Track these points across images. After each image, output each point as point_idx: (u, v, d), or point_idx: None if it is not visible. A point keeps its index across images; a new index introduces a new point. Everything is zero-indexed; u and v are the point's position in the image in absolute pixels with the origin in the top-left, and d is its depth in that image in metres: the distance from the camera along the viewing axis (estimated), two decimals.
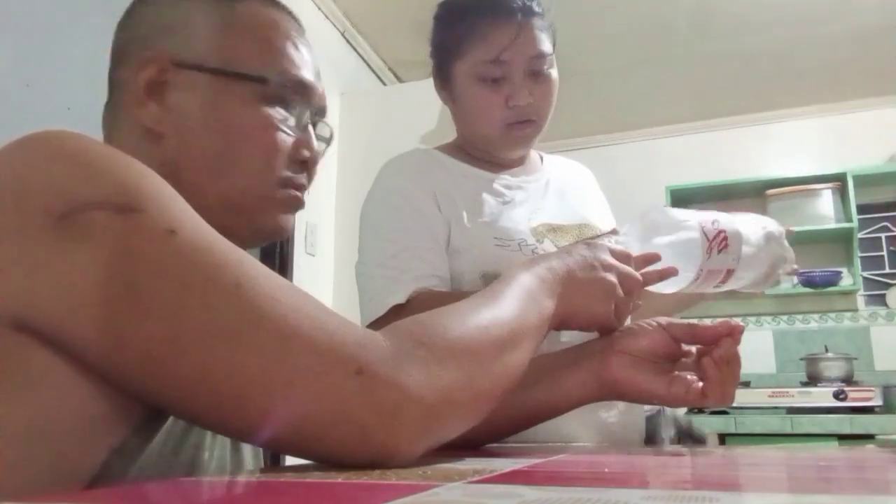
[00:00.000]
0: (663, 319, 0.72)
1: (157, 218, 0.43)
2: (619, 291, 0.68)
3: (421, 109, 2.51)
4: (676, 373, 0.70)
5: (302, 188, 0.66)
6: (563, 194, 1.10)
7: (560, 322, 0.63)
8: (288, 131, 0.63)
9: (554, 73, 1.03)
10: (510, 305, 0.55)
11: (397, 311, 0.91)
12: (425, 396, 0.43)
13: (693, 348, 0.72)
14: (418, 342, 0.46)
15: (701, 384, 0.68)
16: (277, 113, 0.62)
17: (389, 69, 3.13)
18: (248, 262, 0.45)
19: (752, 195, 3.39)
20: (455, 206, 1.01)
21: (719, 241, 0.77)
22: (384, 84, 3.10)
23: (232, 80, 0.61)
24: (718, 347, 0.69)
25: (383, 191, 1.05)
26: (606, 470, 0.40)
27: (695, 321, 0.72)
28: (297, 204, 0.66)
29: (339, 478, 0.37)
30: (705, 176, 3.46)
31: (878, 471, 0.51)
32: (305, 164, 0.65)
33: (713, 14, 2.72)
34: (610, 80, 3.15)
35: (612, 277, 0.67)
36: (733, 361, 0.69)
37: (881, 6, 2.64)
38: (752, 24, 2.78)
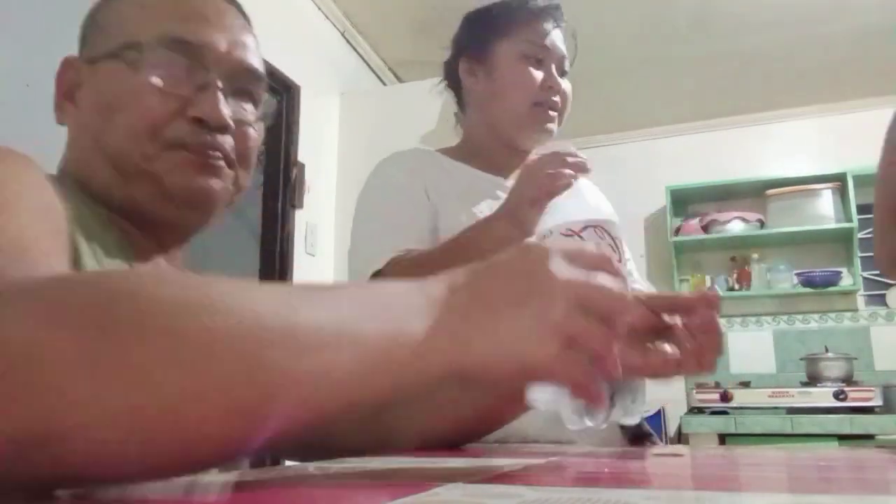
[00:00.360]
0: (643, 293, 0.68)
1: None
2: (572, 322, 0.39)
3: (421, 109, 2.51)
4: (652, 345, 0.65)
5: (206, 147, 0.62)
6: (578, 194, 1.12)
7: (458, 368, 0.37)
8: (171, 92, 0.61)
9: (569, 85, 1.12)
10: (306, 300, 0.34)
11: (374, 279, 0.98)
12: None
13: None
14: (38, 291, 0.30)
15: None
16: (153, 75, 0.61)
17: (389, 69, 3.13)
18: None
19: (752, 195, 3.39)
20: (446, 197, 1.06)
21: None
22: (384, 84, 3.10)
23: (111, 59, 0.62)
24: (694, 316, 0.63)
25: (375, 181, 1.12)
26: (606, 470, 0.40)
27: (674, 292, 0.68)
28: (205, 166, 0.63)
29: (339, 478, 0.37)
30: (705, 176, 3.46)
31: (878, 471, 0.51)
32: (203, 123, 0.62)
33: (713, 14, 2.72)
34: (610, 80, 3.15)
35: (563, 293, 0.39)
36: (710, 330, 0.62)
37: (881, 6, 2.64)
38: (752, 24, 2.78)
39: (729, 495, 0.30)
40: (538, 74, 1.08)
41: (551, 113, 1.09)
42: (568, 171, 0.88)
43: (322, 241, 2.56)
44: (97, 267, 0.55)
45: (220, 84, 0.63)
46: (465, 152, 1.15)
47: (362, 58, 2.93)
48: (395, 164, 1.13)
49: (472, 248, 0.96)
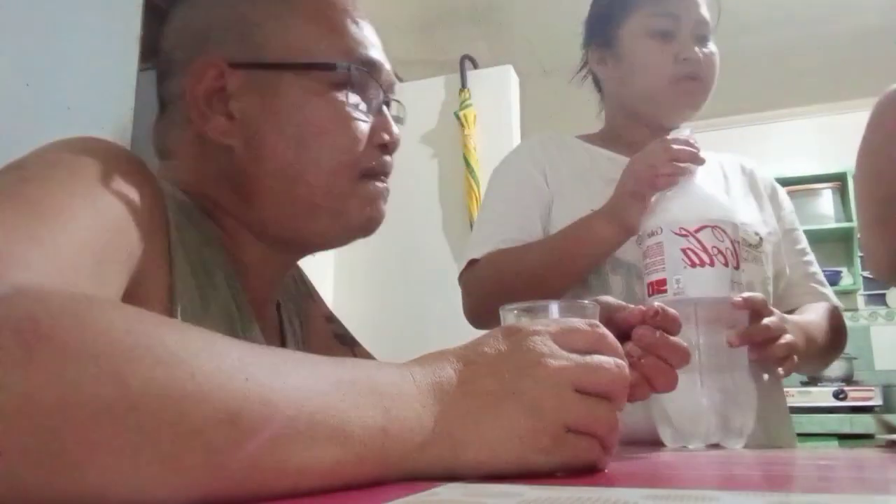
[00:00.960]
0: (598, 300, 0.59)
1: None
2: (574, 405, 0.37)
3: (421, 109, 2.51)
4: None
5: (386, 175, 0.61)
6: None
7: (450, 471, 0.35)
8: (363, 117, 0.58)
9: (714, 47, 1.04)
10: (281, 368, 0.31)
11: (471, 267, 1.01)
12: None
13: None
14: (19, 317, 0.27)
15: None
16: (349, 99, 0.57)
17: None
18: None
19: None
20: (562, 181, 1.04)
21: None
22: None
23: (295, 71, 0.56)
24: (627, 342, 0.53)
25: (499, 168, 1.13)
26: (606, 470, 0.40)
27: (623, 304, 0.57)
28: (385, 193, 0.61)
29: None
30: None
31: (878, 471, 0.51)
32: (386, 148, 0.60)
33: None
34: None
35: (555, 382, 0.37)
36: (660, 349, 0.52)
37: (881, 6, 2.64)
38: (752, 24, 2.78)
39: (729, 495, 0.30)
40: (669, 48, 1.00)
41: (693, 85, 1.02)
42: (676, 162, 0.81)
43: None
44: (195, 287, 0.50)
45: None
46: (606, 138, 1.11)
47: None
48: (520, 150, 1.13)
49: (571, 246, 0.93)
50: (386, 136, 0.60)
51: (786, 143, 3.52)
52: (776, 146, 3.53)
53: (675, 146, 0.83)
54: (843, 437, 2.55)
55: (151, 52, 1.52)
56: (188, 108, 0.56)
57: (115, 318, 0.29)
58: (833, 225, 3.19)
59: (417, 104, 2.55)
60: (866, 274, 3.24)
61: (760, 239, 1.02)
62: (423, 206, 2.48)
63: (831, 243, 3.32)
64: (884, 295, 3.27)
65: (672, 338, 0.53)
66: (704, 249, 0.71)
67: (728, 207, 0.76)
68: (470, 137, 2.40)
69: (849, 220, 3.16)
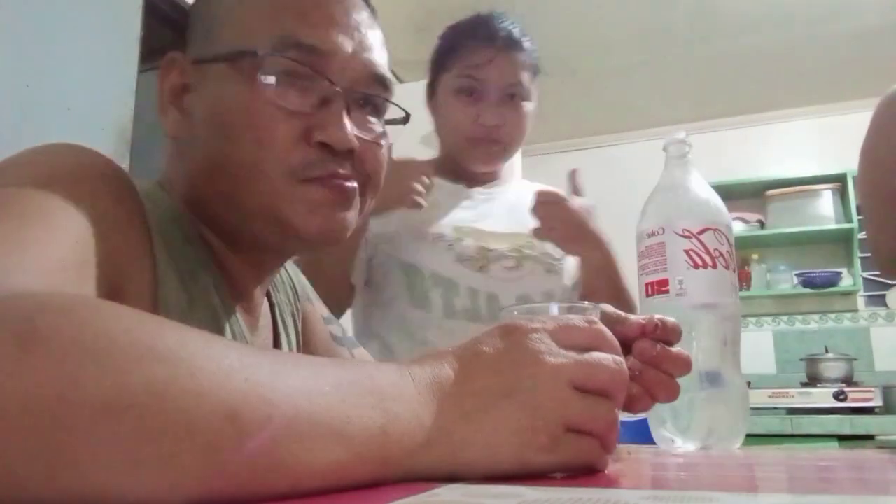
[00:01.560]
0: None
1: None
2: (572, 402, 0.37)
3: (421, 109, 2.50)
4: None
5: (335, 178, 0.53)
6: (514, 208, 1.12)
7: (449, 470, 0.35)
8: (294, 112, 0.52)
9: (527, 105, 1.09)
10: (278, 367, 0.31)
11: None
12: None
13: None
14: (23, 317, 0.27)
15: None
16: (280, 91, 0.51)
17: (389, 69, 3.13)
18: None
19: (752, 195, 3.39)
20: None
21: None
22: None
23: (229, 62, 0.52)
24: (628, 356, 0.52)
25: None
26: (606, 471, 0.40)
27: (623, 315, 0.56)
28: (338, 199, 0.54)
29: None
30: (705, 176, 3.42)
31: (878, 471, 0.51)
32: (328, 149, 0.52)
33: (713, 14, 2.72)
34: (610, 80, 3.15)
35: (553, 380, 0.37)
36: (661, 361, 0.52)
37: (881, 6, 2.64)
38: (752, 24, 2.78)
39: (729, 495, 0.30)
40: (472, 111, 1.06)
41: (492, 148, 1.09)
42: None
43: None
44: (180, 288, 0.50)
45: (344, 97, 0.54)
46: (440, 164, 1.15)
47: None
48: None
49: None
50: (319, 136, 0.52)
51: (786, 143, 3.52)
52: (776, 146, 3.53)
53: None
54: (843, 438, 2.55)
55: (151, 52, 1.52)
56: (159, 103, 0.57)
57: (113, 318, 0.29)
58: (833, 226, 3.19)
59: (417, 104, 2.55)
60: (866, 275, 3.24)
61: (563, 255, 1.09)
62: None
63: (831, 244, 3.32)
64: (884, 296, 3.27)
65: (672, 349, 0.53)
66: (707, 251, 0.71)
67: (724, 210, 0.77)
68: None
69: (849, 220, 3.16)
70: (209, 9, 0.57)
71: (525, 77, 1.08)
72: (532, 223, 1.08)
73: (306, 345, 0.71)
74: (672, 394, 0.53)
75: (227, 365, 0.29)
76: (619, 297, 1.03)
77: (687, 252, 0.72)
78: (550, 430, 0.36)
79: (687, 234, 0.73)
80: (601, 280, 1.03)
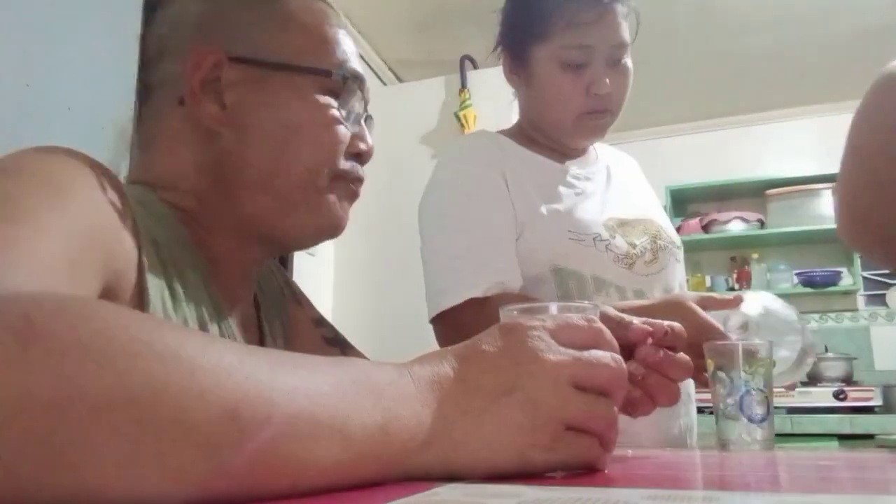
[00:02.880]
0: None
1: None
2: (573, 400, 0.38)
3: (421, 109, 2.51)
4: None
5: (360, 182, 0.64)
6: (624, 186, 1.09)
7: (450, 469, 0.35)
8: (347, 126, 0.62)
9: (630, 62, 1.01)
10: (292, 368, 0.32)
11: (473, 305, 0.88)
12: None
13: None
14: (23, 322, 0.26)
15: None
16: (336, 107, 0.61)
17: (389, 69, 3.13)
18: None
19: (752, 195, 3.39)
20: (527, 193, 0.98)
21: (804, 362, 0.82)
22: (384, 84, 3.10)
23: (291, 74, 0.59)
24: (631, 361, 0.54)
25: (451, 175, 1.01)
26: (606, 470, 0.40)
27: (627, 320, 0.59)
28: (354, 197, 0.65)
29: None
30: (705, 176, 3.46)
31: (878, 470, 0.51)
32: (360, 158, 0.64)
33: (713, 14, 2.72)
34: None
35: (553, 377, 0.38)
36: (663, 366, 0.54)
37: (881, 6, 2.64)
38: (752, 24, 2.78)
39: (729, 495, 0.30)
40: (581, 82, 0.97)
41: (602, 120, 1.00)
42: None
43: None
44: (166, 285, 0.50)
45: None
46: (526, 136, 1.08)
47: (362, 58, 2.91)
48: (468, 155, 1.02)
49: None
50: (362, 146, 0.63)
51: (786, 143, 3.52)
52: (776, 146, 3.53)
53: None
54: (843, 438, 2.55)
55: None
56: (182, 93, 0.58)
57: (111, 316, 0.29)
58: (833, 225, 3.18)
59: (417, 104, 2.55)
60: (866, 274, 3.25)
61: (680, 243, 1.06)
62: None
63: (831, 243, 3.32)
64: (884, 295, 3.27)
65: (675, 354, 0.55)
66: None
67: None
68: None
69: None
70: (241, 12, 0.61)
71: (627, 34, 0.99)
72: (646, 197, 1.07)
73: (293, 348, 0.71)
74: (674, 398, 0.55)
75: (226, 363, 0.29)
76: None
77: None
78: (550, 429, 0.36)
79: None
80: None
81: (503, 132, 1.09)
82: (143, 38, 0.64)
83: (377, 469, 0.33)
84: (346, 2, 2.70)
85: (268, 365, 0.31)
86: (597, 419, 0.38)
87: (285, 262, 2.30)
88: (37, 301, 0.29)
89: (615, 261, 0.95)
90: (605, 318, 0.57)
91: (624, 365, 0.41)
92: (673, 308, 0.83)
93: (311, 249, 2.46)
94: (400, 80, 3.17)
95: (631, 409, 0.56)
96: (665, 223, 1.07)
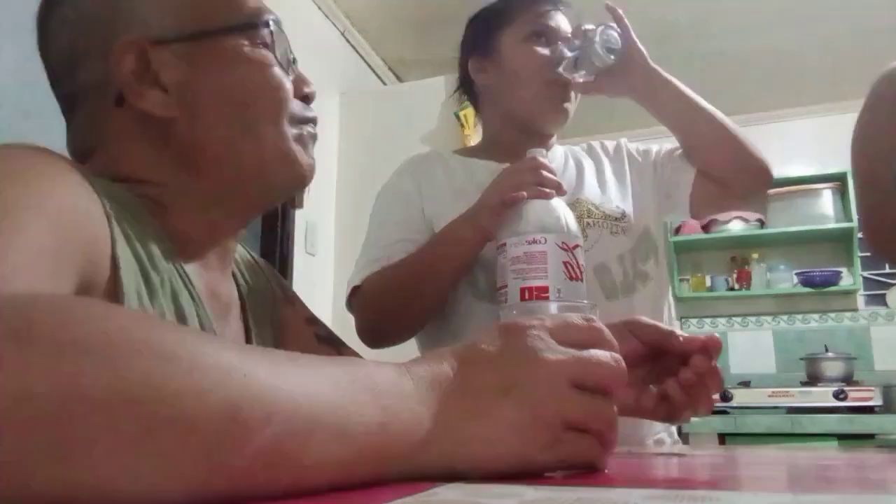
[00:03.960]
0: (630, 320, 0.65)
1: None
2: (573, 399, 0.38)
3: (421, 109, 2.51)
4: (670, 381, 0.63)
5: (315, 122, 0.64)
6: (572, 177, 1.11)
7: (450, 467, 0.35)
8: (285, 71, 0.61)
9: None
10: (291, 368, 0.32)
11: (355, 293, 1.03)
12: None
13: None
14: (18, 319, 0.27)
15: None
16: (269, 56, 0.59)
17: (389, 69, 3.13)
18: None
19: None
20: (440, 198, 1.05)
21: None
22: (384, 84, 3.10)
23: (216, 38, 0.58)
24: (686, 368, 0.60)
25: (380, 191, 1.14)
26: (606, 470, 0.40)
27: (670, 329, 0.64)
28: (314, 139, 0.64)
29: None
30: None
31: (878, 470, 0.51)
32: (308, 99, 0.63)
33: (713, 14, 2.72)
34: None
35: (553, 377, 0.37)
36: (708, 376, 0.60)
37: (881, 6, 2.64)
38: (752, 24, 2.78)
39: (729, 495, 0.30)
40: (546, 54, 1.05)
41: (567, 91, 1.07)
42: (540, 187, 0.85)
43: (322, 241, 2.56)
44: (141, 279, 0.50)
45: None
46: (484, 148, 1.15)
47: (362, 57, 2.93)
48: (400, 169, 1.14)
49: (437, 253, 0.96)
50: (306, 89, 0.63)
51: (786, 143, 3.51)
52: (776, 146, 3.52)
53: (543, 169, 0.87)
54: (843, 437, 2.55)
55: None
56: (118, 92, 0.56)
57: (109, 316, 0.29)
58: (833, 225, 3.19)
59: (417, 104, 2.55)
60: (866, 274, 3.25)
61: (623, 213, 1.08)
62: None
63: (831, 243, 3.32)
64: (884, 295, 3.27)
65: (716, 367, 0.60)
66: (578, 266, 0.80)
67: (574, 229, 0.83)
68: (470, 137, 2.40)
69: (849, 220, 3.16)
70: None
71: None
72: (583, 181, 1.10)
73: (285, 348, 0.70)
74: (709, 410, 0.60)
75: (225, 362, 0.29)
76: (713, 126, 1.06)
77: (565, 264, 0.80)
78: (550, 428, 0.36)
79: (565, 247, 0.81)
80: (683, 111, 1.09)
81: (460, 150, 1.21)
82: (44, 53, 0.61)
83: (377, 468, 0.32)
84: (346, 2, 2.70)
85: (267, 364, 0.31)
86: (597, 419, 0.38)
87: (285, 261, 2.31)
88: (33, 301, 0.29)
89: None
90: (653, 328, 0.63)
91: (623, 364, 0.41)
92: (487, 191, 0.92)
93: (311, 249, 2.47)
94: (400, 80, 3.17)
95: (674, 414, 0.60)
96: (604, 199, 1.08)
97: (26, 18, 0.64)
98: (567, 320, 0.41)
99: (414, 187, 1.08)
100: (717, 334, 0.62)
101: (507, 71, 1.08)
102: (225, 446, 0.27)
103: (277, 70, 0.60)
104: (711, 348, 0.59)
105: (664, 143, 1.16)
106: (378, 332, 1.02)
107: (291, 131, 0.60)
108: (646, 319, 0.63)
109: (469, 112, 2.43)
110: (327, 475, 0.30)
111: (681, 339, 0.61)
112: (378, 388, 0.34)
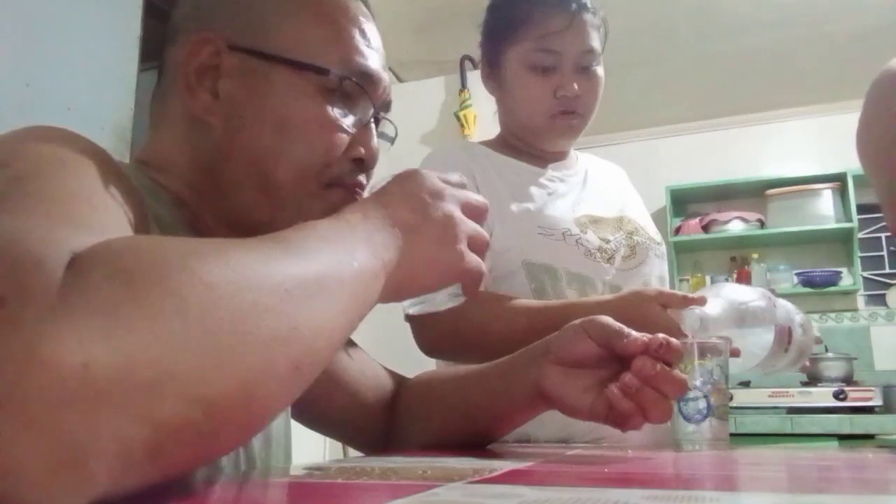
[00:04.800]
0: (586, 319, 0.60)
1: None
2: (464, 222, 0.49)
3: (421, 109, 2.51)
4: (612, 386, 0.57)
5: (357, 188, 0.60)
6: (600, 188, 1.12)
7: (398, 286, 0.45)
8: (346, 128, 0.57)
9: (600, 70, 1.06)
10: (310, 250, 0.38)
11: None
12: (88, 372, 0.23)
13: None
14: (117, 271, 0.27)
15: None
16: (337, 108, 0.57)
17: (389, 69, 3.12)
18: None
19: (752, 195, 3.39)
20: (497, 193, 1.02)
21: (786, 343, 0.82)
22: None
23: (289, 67, 0.56)
24: (626, 372, 0.55)
25: (428, 162, 1.07)
26: (606, 470, 0.40)
27: (619, 328, 0.58)
28: (347, 203, 0.58)
29: (339, 478, 0.37)
30: (705, 176, 3.46)
31: (878, 471, 0.51)
32: (361, 163, 0.59)
33: (713, 14, 2.72)
34: (610, 80, 3.12)
35: (447, 205, 0.49)
36: (659, 381, 0.54)
37: (881, 6, 2.64)
38: (752, 24, 2.78)
39: (729, 495, 0.30)
40: (549, 85, 1.01)
41: (572, 121, 1.04)
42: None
43: None
44: None
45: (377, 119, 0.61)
46: (506, 144, 1.12)
47: None
48: (441, 162, 1.06)
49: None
50: (362, 150, 0.59)
51: (786, 143, 3.52)
52: (776, 146, 3.53)
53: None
54: (843, 438, 2.55)
55: (151, 52, 1.51)
56: (181, 77, 0.56)
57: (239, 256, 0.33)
58: (833, 225, 3.19)
59: (417, 104, 2.55)
60: (866, 274, 3.25)
61: (660, 239, 1.10)
62: None
63: (831, 243, 3.32)
64: (884, 295, 3.27)
65: (670, 370, 0.54)
66: None
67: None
68: (470, 138, 2.40)
69: (849, 220, 3.16)
70: (256, 2, 0.58)
71: (597, 41, 1.04)
72: (626, 199, 1.09)
73: None
74: (666, 415, 0.55)
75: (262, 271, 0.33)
76: None
77: None
78: (454, 239, 0.48)
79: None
80: None
81: (483, 142, 1.15)
82: (169, 16, 0.62)
83: (365, 310, 0.41)
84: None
85: (272, 254, 0.35)
86: (483, 238, 0.50)
87: None
88: (132, 248, 0.29)
89: (587, 255, 0.99)
90: (604, 327, 0.58)
91: (478, 198, 0.52)
92: (631, 303, 0.85)
93: None
94: (400, 80, 3.17)
95: (622, 422, 0.55)
96: (644, 222, 1.10)
97: (26, 18, 0.64)
98: (444, 174, 0.51)
99: (470, 183, 1.01)
100: (674, 340, 0.55)
101: (509, 93, 1.06)
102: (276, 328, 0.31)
103: (333, 121, 0.56)
104: (655, 351, 0.54)
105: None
106: (448, 349, 0.96)
107: (321, 190, 0.57)
108: (602, 318, 0.59)
109: (469, 112, 2.43)
110: (341, 328, 0.37)
111: (626, 339, 0.56)
112: (346, 239, 0.41)
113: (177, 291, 0.27)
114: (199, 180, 0.57)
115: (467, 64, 2.52)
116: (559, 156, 1.13)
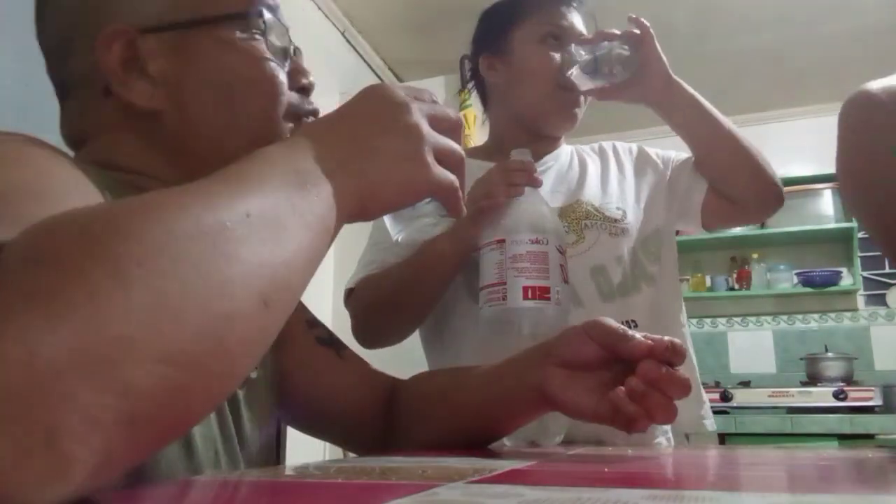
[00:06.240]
0: (590, 322, 0.59)
1: None
2: (431, 135, 0.46)
3: None
4: (617, 390, 0.57)
5: (314, 114, 0.61)
6: (564, 177, 1.12)
7: (361, 204, 0.43)
8: (279, 62, 0.58)
9: None
10: (254, 179, 0.37)
11: (350, 295, 1.04)
12: (36, 360, 0.22)
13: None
14: (41, 253, 0.26)
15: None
16: (263, 46, 0.57)
17: (389, 69, 3.13)
18: None
19: None
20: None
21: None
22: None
23: (206, 27, 0.55)
24: (633, 376, 0.54)
25: None
26: (606, 470, 0.40)
27: (624, 331, 0.57)
28: None
29: (338, 477, 0.37)
30: None
31: (878, 471, 0.51)
32: (305, 91, 0.61)
33: (713, 14, 2.72)
34: None
35: (412, 117, 0.46)
36: (664, 383, 0.53)
37: (881, 6, 2.64)
38: (752, 24, 2.78)
39: (729, 495, 0.30)
40: (556, 57, 1.04)
41: (577, 95, 1.06)
42: (512, 184, 0.86)
43: None
44: None
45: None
46: (492, 149, 1.13)
47: (362, 58, 2.93)
48: None
49: (418, 267, 0.97)
50: (304, 80, 0.60)
51: (786, 143, 3.51)
52: (776, 146, 3.52)
53: (511, 168, 0.88)
54: (843, 437, 2.55)
55: None
56: (106, 82, 0.54)
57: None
58: (833, 225, 3.19)
59: None
60: (866, 274, 3.25)
61: (624, 213, 1.08)
62: None
63: (831, 243, 3.32)
64: (884, 295, 3.27)
65: (675, 372, 0.54)
66: (565, 269, 0.83)
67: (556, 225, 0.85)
68: (470, 138, 2.40)
69: (849, 220, 3.16)
70: None
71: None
72: (590, 184, 1.10)
73: (282, 349, 0.68)
74: (671, 417, 0.54)
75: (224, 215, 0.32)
76: (731, 145, 1.07)
77: (562, 267, 0.82)
78: (420, 152, 0.45)
79: (562, 250, 0.83)
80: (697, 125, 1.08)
81: (470, 149, 1.19)
82: (41, 40, 0.60)
83: (330, 238, 0.41)
84: (346, 2, 2.70)
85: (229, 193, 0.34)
86: (455, 152, 0.48)
87: None
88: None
89: None
90: (606, 330, 0.58)
91: (448, 110, 0.49)
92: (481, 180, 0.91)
93: None
94: (400, 80, 3.17)
95: (627, 425, 0.55)
96: (605, 200, 1.09)
97: (26, 18, 0.64)
98: (414, 87, 0.49)
99: None
100: (677, 341, 0.55)
101: (519, 71, 1.07)
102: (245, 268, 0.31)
103: (268, 61, 0.57)
104: (660, 354, 0.53)
105: (669, 144, 1.17)
106: (371, 333, 1.02)
107: (287, 126, 0.58)
108: (606, 321, 0.59)
109: (469, 112, 2.43)
110: (309, 258, 0.39)
111: (630, 343, 0.55)
112: (297, 169, 0.39)
113: (106, 256, 0.26)
114: (165, 169, 0.56)
115: (467, 64, 2.52)
116: (550, 147, 1.13)
